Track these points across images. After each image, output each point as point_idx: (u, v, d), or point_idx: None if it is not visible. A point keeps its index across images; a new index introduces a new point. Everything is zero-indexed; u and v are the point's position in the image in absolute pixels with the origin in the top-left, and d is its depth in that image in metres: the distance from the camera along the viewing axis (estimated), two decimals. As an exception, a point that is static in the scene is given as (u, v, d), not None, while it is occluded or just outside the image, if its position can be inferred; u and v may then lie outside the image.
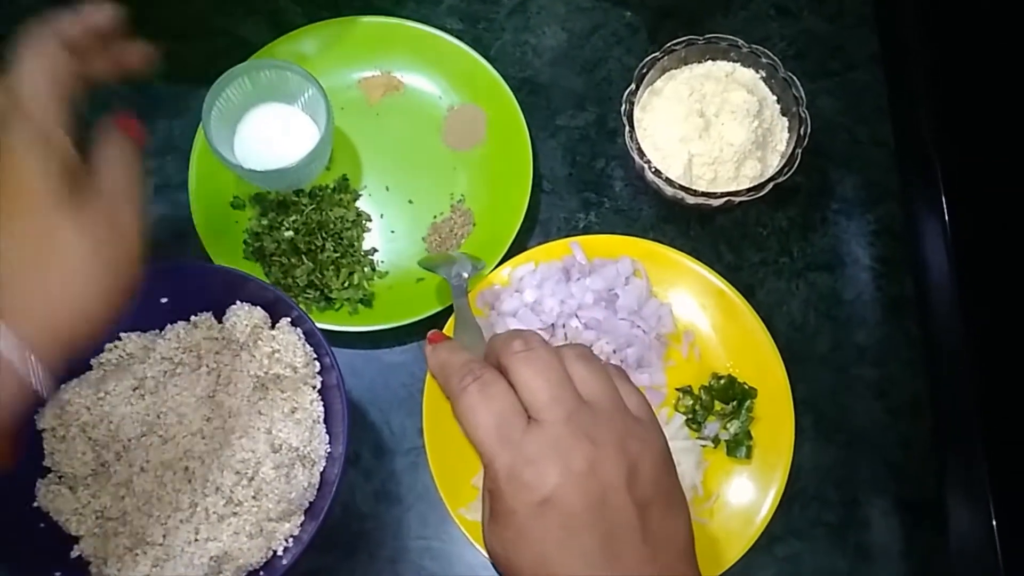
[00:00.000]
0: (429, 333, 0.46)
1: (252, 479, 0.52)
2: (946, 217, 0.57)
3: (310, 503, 0.53)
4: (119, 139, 0.44)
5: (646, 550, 0.37)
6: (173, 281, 0.55)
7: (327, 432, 0.54)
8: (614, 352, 0.59)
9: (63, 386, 0.54)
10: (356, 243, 0.63)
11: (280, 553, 0.52)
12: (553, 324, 0.59)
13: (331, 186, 0.64)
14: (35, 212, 0.38)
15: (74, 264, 0.39)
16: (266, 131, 0.62)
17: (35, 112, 0.39)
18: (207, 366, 0.54)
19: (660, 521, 0.38)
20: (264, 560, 0.52)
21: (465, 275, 0.56)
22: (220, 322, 0.55)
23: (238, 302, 0.55)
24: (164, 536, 0.52)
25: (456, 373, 0.40)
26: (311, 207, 0.62)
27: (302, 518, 0.53)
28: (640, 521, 0.37)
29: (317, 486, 0.53)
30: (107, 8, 0.45)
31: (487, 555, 0.41)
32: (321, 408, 0.54)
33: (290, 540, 0.52)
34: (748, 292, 0.62)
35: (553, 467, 0.37)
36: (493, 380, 0.39)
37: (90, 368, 0.55)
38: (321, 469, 0.53)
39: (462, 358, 0.42)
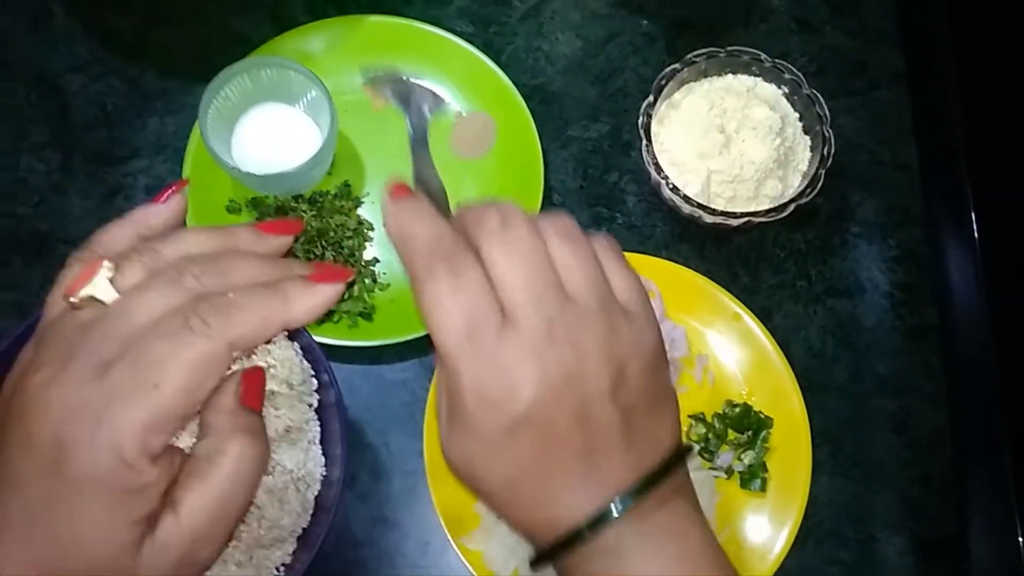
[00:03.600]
0: (391, 183, 0.36)
1: (241, 503, 0.49)
2: (976, 244, 0.55)
3: (304, 529, 0.50)
4: (254, 427, 0.36)
5: (629, 457, 0.32)
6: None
7: (323, 454, 0.51)
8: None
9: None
10: (357, 253, 0.60)
11: (269, 582, 0.49)
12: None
13: (332, 192, 0.61)
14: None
15: None
16: (266, 133, 0.59)
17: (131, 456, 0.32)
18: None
19: (644, 422, 0.33)
20: (252, 589, 0.49)
21: (427, 114, 0.45)
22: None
23: (232, 313, 0.52)
24: (145, 561, 0.49)
25: (422, 250, 0.33)
26: (311, 214, 0.59)
27: (294, 545, 0.49)
28: (623, 428, 0.32)
29: (311, 511, 0.50)
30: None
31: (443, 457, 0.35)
32: (318, 428, 0.51)
33: (281, 569, 0.49)
34: (764, 316, 0.60)
35: (528, 376, 0.31)
36: (466, 266, 0.32)
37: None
38: (316, 493, 0.50)
39: (431, 229, 0.34)
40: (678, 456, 0.34)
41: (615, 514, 0.32)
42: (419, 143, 0.44)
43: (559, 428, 0.32)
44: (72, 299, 0.34)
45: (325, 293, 0.39)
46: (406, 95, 0.46)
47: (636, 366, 0.33)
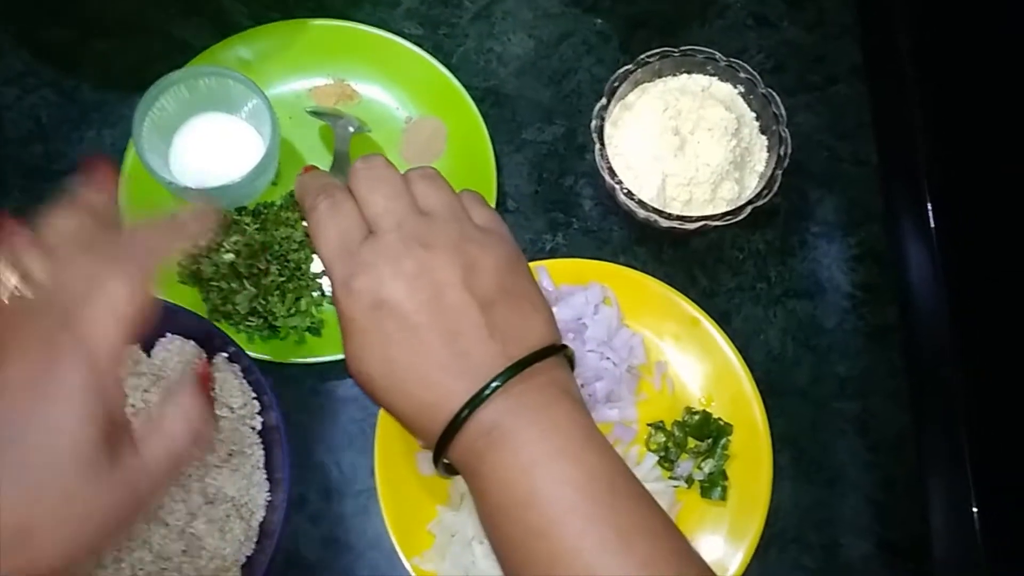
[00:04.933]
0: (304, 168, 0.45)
1: (183, 532, 0.47)
2: (935, 240, 0.54)
3: (247, 557, 0.48)
4: (197, 390, 0.38)
5: (494, 344, 0.37)
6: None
7: (267, 479, 0.49)
8: (582, 386, 0.55)
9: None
10: (304, 266, 0.58)
11: (214, 612, 0.47)
12: (516, 358, 0.55)
13: (277, 204, 0.59)
14: (65, 460, 0.33)
15: (79, 518, 0.34)
16: (205, 144, 0.57)
17: (103, 361, 0.34)
18: (132, 405, 0.49)
19: (506, 319, 0.38)
20: (196, 620, 0.47)
21: (351, 129, 0.60)
22: (148, 356, 0.51)
23: (168, 335, 0.50)
24: (85, 594, 0.47)
25: (312, 192, 0.41)
26: (254, 226, 0.57)
27: (238, 574, 0.48)
28: (484, 318, 0.37)
29: (256, 539, 0.48)
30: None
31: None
32: (261, 452, 0.50)
33: (225, 599, 0.48)
34: (723, 319, 0.58)
35: (384, 270, 0.37)
36: (343, 199, 0.40)
37: None
38: (260, 519, 0.49)
39: (322, 181, 0.42)
40: (549, 350, 0.38)
41: (487, 392, 0.35)
42: (342, 144, 0.57)
43: (416, 310, 0.37)
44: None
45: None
46: (340, 115, 0.58)
47: (489, 263, 0.38)
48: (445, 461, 0.37)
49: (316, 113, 0.61)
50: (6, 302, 0.36)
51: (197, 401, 0.37)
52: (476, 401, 0.36)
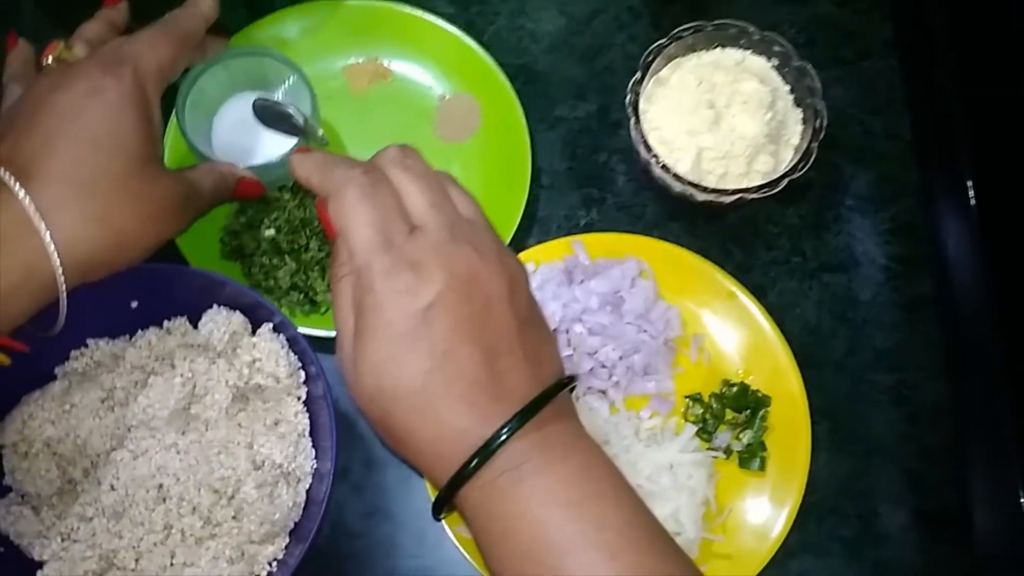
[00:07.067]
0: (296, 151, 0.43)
1: (232, 498, 0.48)
2: (975, 212, 0.54)
3: (295, 524, 0.49)
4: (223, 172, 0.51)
5: (528, 367, 0.34)
6: (144, 283, 0.50)
7: (313, 447, 0.50)
8: (620, 359, 0.55)
9: (24, 398, 0.50)
10: (343, 242, 0.59)
11: (263, 578, 0.48)
12: (555, 329, 0.56)
13: (315, 180, 0.60)
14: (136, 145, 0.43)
15: (137, 196, 0.42)
16: (245, 124, 0.58)
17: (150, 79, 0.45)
18: (182, 375, 0.50)
19: (535, 337, 0.36)
20: (246, 586, 0.48)
21: (307, 113, 0.56)
22: (195, 328, 0.51)
23: (215, 306, 0.51)
24: (136, 560, 0.48)
25: (341, 165, 0.38)
26: (294, 203, 0.58)
27: (287, 540, 0.49)
28: (520, 337, 0.35)
29: (303, 505, 0.49)
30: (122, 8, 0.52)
31: (352, 392, 0.35)
32: (307, 421, 0.50)
33: (274, 564, 0.48)
34: (759, 293, 0.59)
35: (437, 271, 0.34)
36: (382, 183, 0.37)
37: (54, 378, 0.51)
38: (307, 487, 0.50)
39: (334, 159, 0.39)
40: (569, 379, 0.36)
41: (524, 421, 0.33)
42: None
43: (465, 318, 0.34)
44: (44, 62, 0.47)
45: None
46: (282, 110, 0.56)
47: (524, 281, 0.37)
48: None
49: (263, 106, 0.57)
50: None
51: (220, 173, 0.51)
52: (511, 429, 0.33)
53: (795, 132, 0.59)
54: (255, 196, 0.54)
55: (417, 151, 0.39)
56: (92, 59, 0.45)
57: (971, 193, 0.55)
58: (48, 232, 0.39)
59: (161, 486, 0.49)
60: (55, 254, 0.39)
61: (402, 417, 0.34)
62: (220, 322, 0.50)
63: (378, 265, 0.34)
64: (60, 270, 0.40)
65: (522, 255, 0.57)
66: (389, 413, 0.34)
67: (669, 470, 0.54)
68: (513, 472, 0.33)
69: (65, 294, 0.41)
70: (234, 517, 0.48)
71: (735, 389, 0.56)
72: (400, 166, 0.37)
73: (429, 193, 0.37)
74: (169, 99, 0.55)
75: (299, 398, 0.51)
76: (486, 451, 0.33)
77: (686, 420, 0.56)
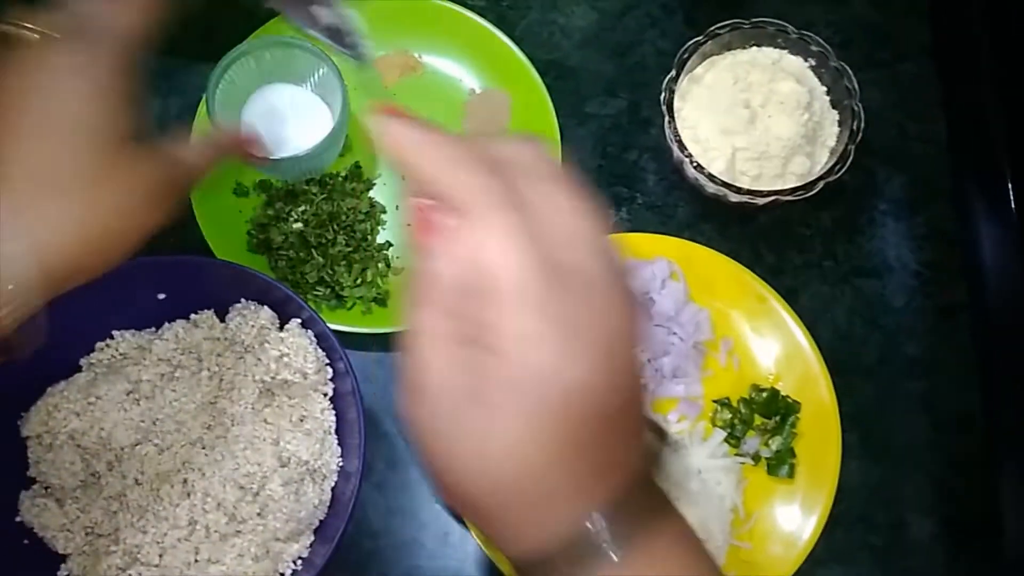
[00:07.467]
0: (379, 109, 0.32)
1: (257, 495, 0.48)
2: (1016, 219, 0.53)
3: (321, 523, 0.49)
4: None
5: (638, 442, 0.29)
6: (171, 276, 0.50)
7: (339, 444, 0.49)
8: (649, 362, 0.55)
9: (49, 389, 0.50)
10: (370, 236, 0.58)
11: (288, 576, 0.48)
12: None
13: (343, 174, 0.59)
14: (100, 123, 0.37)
15: (115, 187, 0.37)
16: (275, 115, 0.57)
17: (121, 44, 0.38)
18: (208, 369, 0.50)
19: (642, 409, 0.30)
20: (270, 584, 0.47)
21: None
22: (223, 321, 0.51)
23: (243, 300, 0.50)
24: (160, 556, 0.48)
25: (469, 164, 0.28)
26: (321, 197, 0.57)
27: (311, 538, 0.48)
28: (638, 406, 0.29)
29: (328, 504, 0.49)
30: None
31: (434, 459, 0.29)
32: (333, 418, 0.50)
33: (299, 563, 0.48)
34: (790, 297, 0.58)
35: (592, 345, 0.26)
36: (527, 200, 0.28)
37: (79, 369, 0.50)
38: (332, 484, 0.49)
39: (463, 146, 0.29)
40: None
41: (629, 504, 0.28)
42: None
43: (605, 407, 0.27)
44: None
45: None
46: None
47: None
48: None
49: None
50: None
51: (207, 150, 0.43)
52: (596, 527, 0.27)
53: (831, 134, 0.58)
54: (260, 160, 0.51)
55: (548, 156, 0.30)
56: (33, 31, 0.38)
57: (1011, 198, 0.54)
58: (13, 242, 0.34)
59: (186, 481, 0.48)
60: (28, 267, 0.34)
61: (486, 500, 0.28)
62: (248, 316, 0.49)
63: (533, 291, 0.26)
64: (31, 283, 0.35)
65: (551, 254, 0.56)
66: (472, 495, 0.28)
67: (697, 475, 0.53)
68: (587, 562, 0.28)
69: (42, 309, 0.36)
70: (259, 514, 0.47)
71: (765, 394, 0.55)
72: (550, 180, 0.28)
73: (572, 226, 0.27)
74: (196, 89, 0.55)
75: (326, 395, 0.50)
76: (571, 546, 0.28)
77: (714, 425, 0.56)
